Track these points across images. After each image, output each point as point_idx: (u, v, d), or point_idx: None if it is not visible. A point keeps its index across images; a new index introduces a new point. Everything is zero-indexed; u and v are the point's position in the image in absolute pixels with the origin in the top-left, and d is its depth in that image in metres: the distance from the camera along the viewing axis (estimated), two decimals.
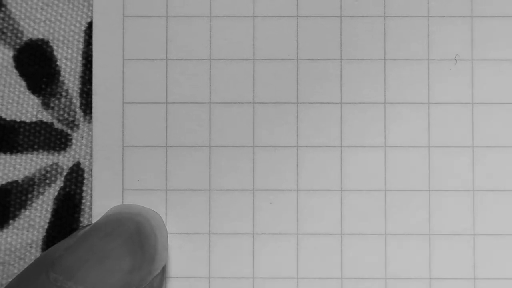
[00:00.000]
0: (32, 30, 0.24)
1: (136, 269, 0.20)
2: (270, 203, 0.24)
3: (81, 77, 0.24)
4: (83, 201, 0.24)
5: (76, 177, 0.24)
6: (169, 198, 0.24)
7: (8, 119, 0.24)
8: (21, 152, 0.24)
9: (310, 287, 0.23)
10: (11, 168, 0.24)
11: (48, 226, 0.24)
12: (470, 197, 0.23)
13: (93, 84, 0.24)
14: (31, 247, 0.24)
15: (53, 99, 0.24)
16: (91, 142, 0.24)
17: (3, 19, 0.24)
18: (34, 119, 0.24)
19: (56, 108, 0.24)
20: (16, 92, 0.24)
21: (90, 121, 0.24)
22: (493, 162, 0.23)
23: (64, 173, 0.24)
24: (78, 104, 0.24)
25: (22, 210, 0.24)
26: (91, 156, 0.24)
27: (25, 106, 0.24)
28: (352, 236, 0.23)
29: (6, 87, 0.24)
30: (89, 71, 0.24)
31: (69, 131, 0.24)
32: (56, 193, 0.24)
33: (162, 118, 0.24)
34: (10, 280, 0.24)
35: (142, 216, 0.22)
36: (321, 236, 0.23)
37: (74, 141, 0.24)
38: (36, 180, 0.24)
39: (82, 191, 0.24)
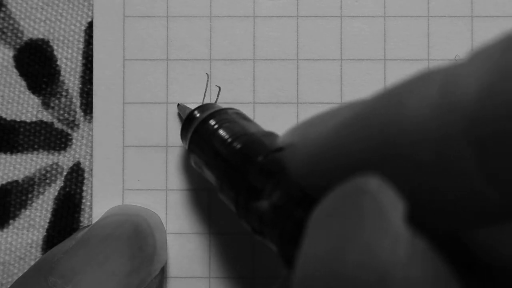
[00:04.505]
0: (32, 30, 0.24)
1: (135, 271, 0.20)
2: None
3: (81, 77, 0.24)
4: (83, 201, 0.24)
5: (76, 177, 0.24)
6: (169, 198, 0.24)
7: (8, 119, 0.24)
8: (21, 152, 0.24)
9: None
10: (11, 168, 0.24)
11: (48, 226, 0.24)
12: None
13: (94, 84, 0.24)
14: (31, 247, 0.24)
15: (53, 99, 0.24)
16: (91, 142, 0.24)
17: (3, 19, 0.24)
18: (34, 119, 0.24)
19: (56, 108, 0.24)
20: (16, 92, 0.24)
21: (90, 121, 0.24)
22: None
23: (64, 173, 0.24)
24: (78, 104, 0.24)
25: (22, 210, 0.24)
26: (91, 156, 0.24)
27: (25, 106, 0.24)
28: None
29: (6, 87, 0.24)
30: (89, 71, 0.24)
31: (69, 131, 0.24)
32: (56, 193, 0.24)
33: (162, 118, 0.24)
34: (10, 280, 0.24)
35: (140, 217, 0.22)
36: None
37: (74, 141, 0.24)
38: (36, 180, 0.24)
39: (82, 191, 0.24)
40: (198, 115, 0.21)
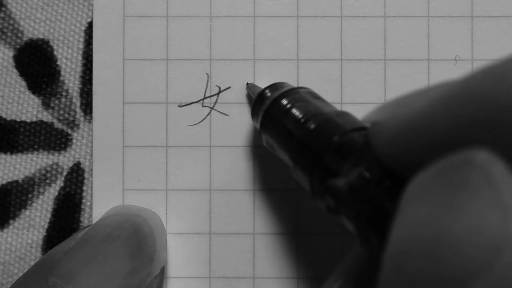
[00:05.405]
0: (32, 30, 0.24)
1: (135, 271, 0.20)
2: (270, 203, 0.24)
3: (81, 77, 0.24)
4: (83, 201, 0.24)
5: (76, 177, 0.24)
6: (169, 198, 0.24)
7: (8, 119, 0.24)
8: (21, 152, 0.24)
9: (311, 286, 0.23)
10: (11, 168, 0.24)
11: (48, 226, 0.24)
12: None
13: (93, 84, 0.24)
14: (31, 247, 0.24)
15: (53, 99, 0.24)
16: (91, 142, 0.24)
17: (3, 19, 0.24)
18: (34, 119, 0.24)
19: (56, 108, 0.24)
20: (16, 92, 0.24)
21: (90, 121, 0.24)
22: None
23: (64, 173, 0.24)
24: (78, 104, 0.24)
25: (22, 210, 0.24)
26: (91, 156, 0.24)
27: (25, 106, 0.24)
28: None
29: (6, 87, 0.24)
30: (89, 71, 0.24)
31: (69, 131, 0.24)
32: (56, 193, 0.24)
33: (162, 118, 0.24)
34: (10, 280, 0.24)
35: (140, 217, 0.22)
36: (323, 236, 0.23)
37: (74, 141, 0.24)
38: (36, 180, 0.24)
39: (82, 191, 0.24)
40: (269, 94, 0.21)
